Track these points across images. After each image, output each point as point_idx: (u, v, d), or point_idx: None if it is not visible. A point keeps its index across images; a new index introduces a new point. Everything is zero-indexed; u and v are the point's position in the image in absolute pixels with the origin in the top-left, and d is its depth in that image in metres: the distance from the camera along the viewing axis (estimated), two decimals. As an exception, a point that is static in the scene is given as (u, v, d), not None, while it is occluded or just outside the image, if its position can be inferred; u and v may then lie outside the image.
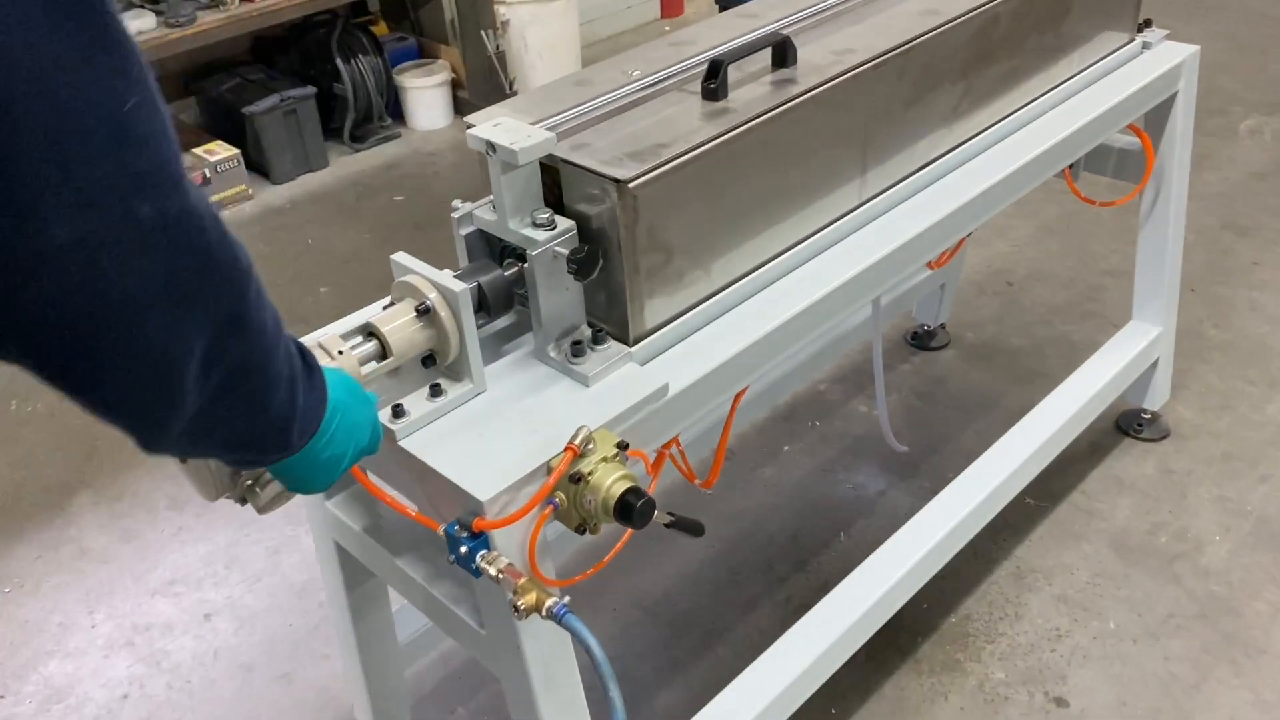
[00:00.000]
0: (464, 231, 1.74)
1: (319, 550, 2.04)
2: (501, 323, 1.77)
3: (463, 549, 1.47)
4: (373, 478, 1.60)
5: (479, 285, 1.62)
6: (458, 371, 1.64)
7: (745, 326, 1.79)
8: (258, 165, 5.08)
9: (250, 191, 4.98)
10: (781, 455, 3.24)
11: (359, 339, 1.55)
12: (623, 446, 1.53)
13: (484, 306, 1.64)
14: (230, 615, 2.85)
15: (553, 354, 1.68)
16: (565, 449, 1.48)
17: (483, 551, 1.48)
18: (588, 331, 1.69)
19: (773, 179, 1.82)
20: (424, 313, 1.57)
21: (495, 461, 1.51)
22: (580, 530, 1.54)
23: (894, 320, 3.64)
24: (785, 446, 3.27)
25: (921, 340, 3.65)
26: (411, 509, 1.54)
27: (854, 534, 2.94)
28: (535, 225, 1.64)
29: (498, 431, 1.58)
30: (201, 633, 2.81)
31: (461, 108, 5.51)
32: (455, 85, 5.53)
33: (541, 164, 1.66)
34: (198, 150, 4.85)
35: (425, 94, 5.40)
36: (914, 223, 2.05)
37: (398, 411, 1.57)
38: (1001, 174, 2.22)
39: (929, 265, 2.26)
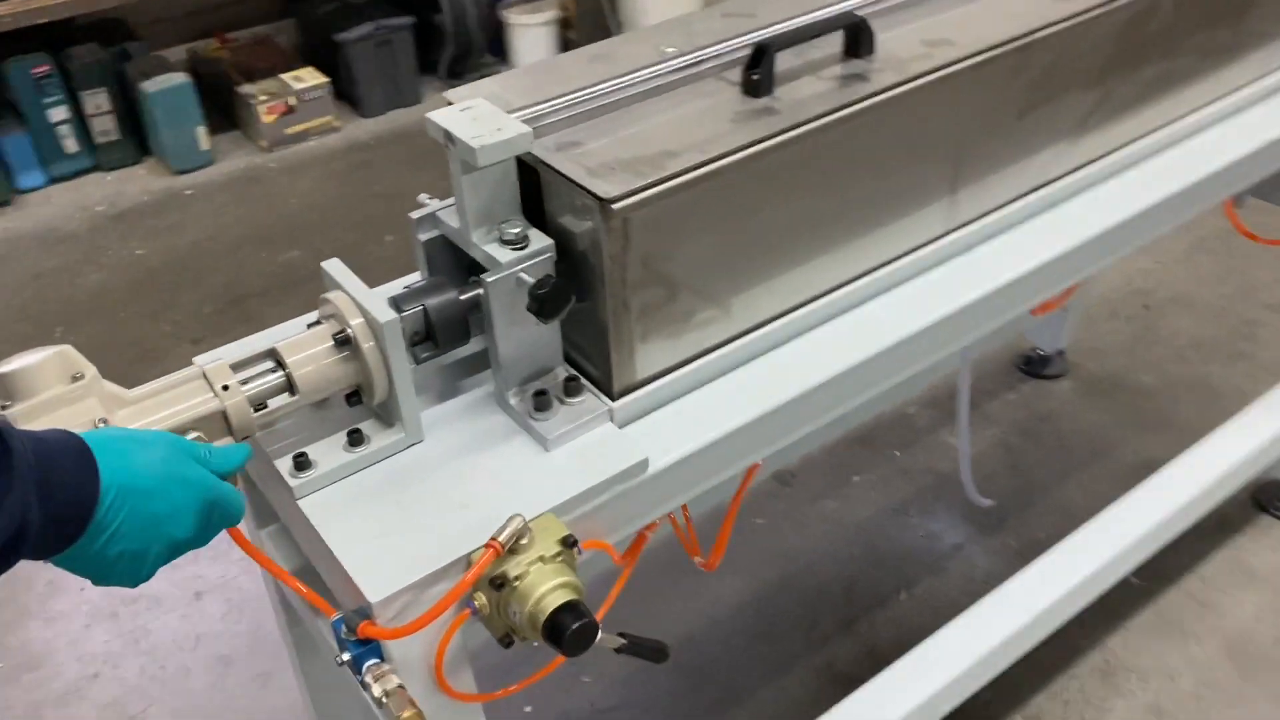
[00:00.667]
0: (423, 236, 1.40)
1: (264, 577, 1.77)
2: (470, 349, 1.43)
3: (347, 655, 1.16)
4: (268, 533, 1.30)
5: (425, 310, 1.29)
6: (389, 414, 1.31)
7: (766, 385, 1.41)
8: (348, 95, 4.83)
9: (337, 123, 4.74)
10: (849, 486, 2.84)
11: (261, 367, 1.24)
12: (569, 544, 1.19)
13: (431, 336, 1.30)
14: (221, 596, 2.64)
15: (514, 402, 1.34)
16: (486, 545, 1.14)
17: (372, 662, 1.16)
18: (561, 376, 1.34)
19: (824, 200, 1.43)
20: (343, 343, 1.24)
21: (404, 546, 1.19)
22: (506, 643, 1.21)
23: (1005, 339, 3.17)
24: (855, 477, 2.87)
25: (1034, 366, 3.18)
26: (302, 586, 1.23)
27: (917, 594, 2.54)
28: (502, 242, 1.29)
29: (421, 501, 1.25)
30: (188, 612, 2.61)
31: (569, 49, 5.14)
32: (564, 25, 5.17)
33: (523, 163, 1.31)
34: (285, 76, 4.62)
35: (530, 31, 5.05)
36: (1016, 261, 1.63)
37: (300, 463, 1.26)
38: (1142, 204, 1.76)
39: (1034, 311, 1.85)
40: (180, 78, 4.25)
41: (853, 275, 1.52)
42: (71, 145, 4.28)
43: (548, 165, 1.27)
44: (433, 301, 1.29)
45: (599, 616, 1.18)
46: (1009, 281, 1.60)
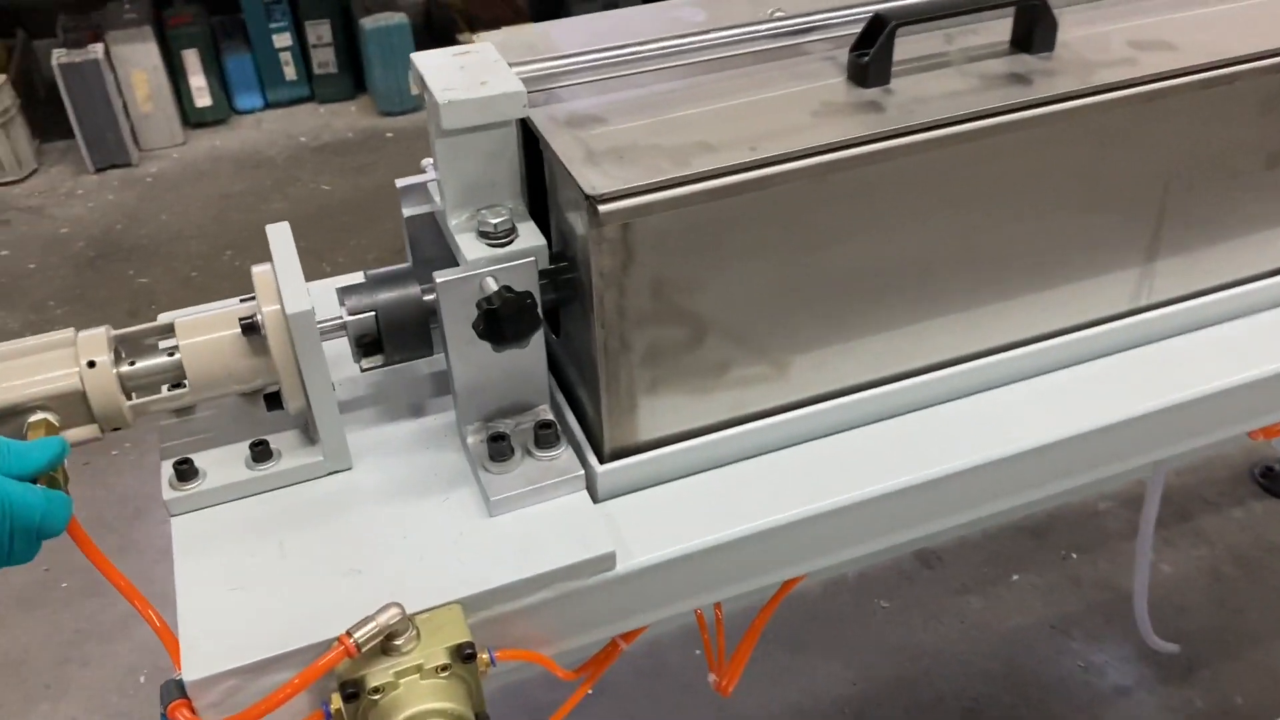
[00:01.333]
0: (409, 211, 1.11)
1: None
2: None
3: (158, 735, 0.89)
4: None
5: (375, 309, 0.99)
6: (314, 429, 1.03)
7: (815, 480, 1.03)
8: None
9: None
10: (1004, 585, 2.37)
11: (155, 345, 0.98)
12: (464, 655, 0.87)
13: (378, 343, 1.01)
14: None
15: (470, 441, 1.02)
16: (337, 641, 0.84)
17: (188, 753, 0.89)
18: (539, 419, 1.02)
19: (938, 241, 1.03)
20: (251, 330, 0.97)
21: (258, 612, 0.90)
22: (368, 765, 0.90)
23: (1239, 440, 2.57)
24: (1015, 575, 2.39)
25: (1273, 481, 2.57)
26: (155, 618, 0.95)
27: (1058, 738, 2.05)
28: (480, 233, 0.98)
29: (310, 552, 0.96)
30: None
31: None
32: None
33: (530, 133, 0.99)
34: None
35: None
36: (1233, 364, 1.16)
37: (184, 472, 0.99)
38: None
39: (1252, 434, 1.36)
40: (399, 17, 4.17)
41: (970, 351, 1.11)
42: (291, 73, 4.29)
43: (545, 140, 0.95)
44: (385, 297, 1.00)
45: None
46: (1215, 391, 1.14)
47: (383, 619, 0.84)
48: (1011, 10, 1.04)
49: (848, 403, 1.07)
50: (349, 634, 0.83)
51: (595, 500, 1.00)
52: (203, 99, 4.14)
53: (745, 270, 0.96)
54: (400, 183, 1.10)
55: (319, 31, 4.25)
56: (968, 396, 1.12)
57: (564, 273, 0.99)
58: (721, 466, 1.05)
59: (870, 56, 0.98)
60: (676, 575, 0.98)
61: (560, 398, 1.07)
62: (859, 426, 1.09)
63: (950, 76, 1.01)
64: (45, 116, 4.02)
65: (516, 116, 0.93)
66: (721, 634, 1.22)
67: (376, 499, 1.01)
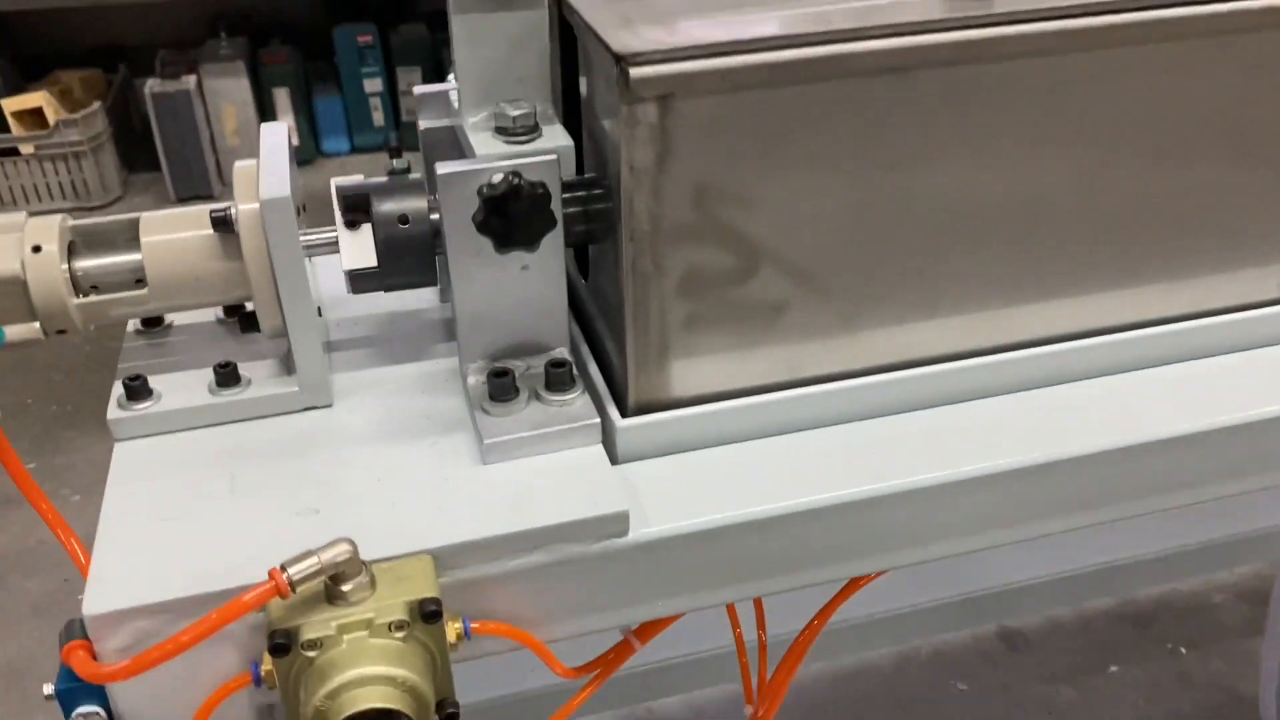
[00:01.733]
0: (425, 124, 0.97)
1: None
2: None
3: (50, 688, 0.73)
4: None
5: (376, 220, 0.85)
6: (292, 358, 0.88)
7: (884, 455, 0.84)
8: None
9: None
10: (1101, 676, 2.09)
11: (115, 240, 0.85)
12: (426, 613, 0.69)
13: (384, 255, 0.86)
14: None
15: (470, 380, 0.86)
16: (268, 577, 0.67)
17: (85, 709, 0.72)
18: (554, 357, 0.85)
19: (1056, 178, 0.85)
20: (221, 225, 0.82)
21: (190, 547, 0.74)
22: (303, 746, 0.72)
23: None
24: (1114, 666, 2.11)
25: None
26: (82, 555, 0.79)
27: None
28: (498, 129, 0.83)
29: (264, 488, 0.80)
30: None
31: None
32: None
33: (565, 21, 0.85)
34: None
35: None
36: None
37: (134, 390, 0.85)
38: None
39: None
40: (490, 68, 4.15)
41: (1088, 327, 0.92)
42: (379, 119, 4.28)
43: (573, 9, 0.80)
44: (386, 206, 0.85)
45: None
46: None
47: (328, 555, 0.68)
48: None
49: (930, 374, 0.88)
50: (282, 568, 0.67)
51: (614, 462, 0.82)
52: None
53: (808, 185, 0.79)
54: (419, 89, 0.96)
55: (410, 78, 4.25)
56: (1080, 380, 0.92)
57: (595, 194, 0.83)
58: (769, 437, 0.86)
59: (972, -54, 0.82)
60: (703, 553, 0.80)
61: (585, 350, 0.90)
62: (945, 404, 0.90)
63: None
64: (135, 149, 4.06)
65: (547, -21, 0.79)
66: (764, 654, 1.02)
67: (353, 440, 0.85)
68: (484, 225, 0.75)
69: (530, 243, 0.77)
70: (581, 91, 0.85)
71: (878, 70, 0.75)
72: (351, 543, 0.68)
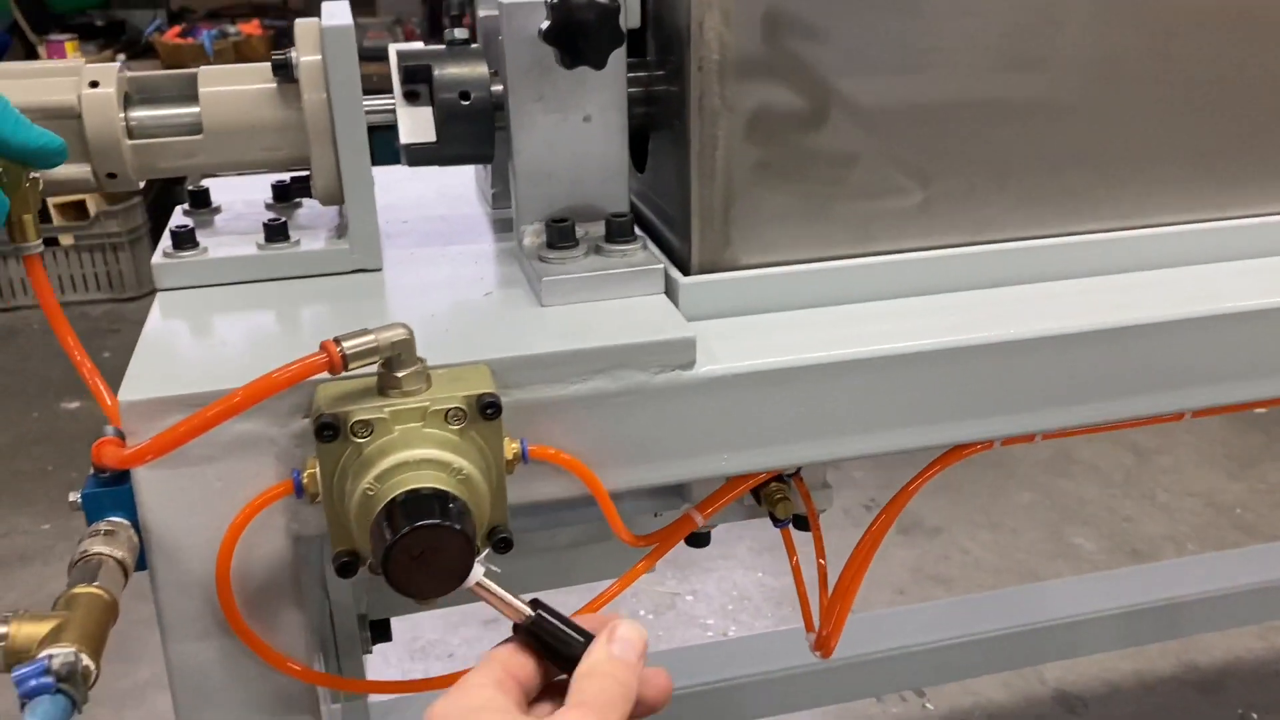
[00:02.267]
0: (485, 11, 0.96)
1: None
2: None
3: (76, 495, 0.67)
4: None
5: (429, 69, 0.83)
6: (344, 220, 0.86)
7: (964, 313, 0.80)
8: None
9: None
10: (1167, 741, 1.95)
11: (173, 91, 0.83)
12: (485, 408, 0.65)
13: (444, 125, 0.84)
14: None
15: (526, 241, 0.83)
16: (320, 349, 0.63)
17: (111, 519, 0.67)
18: (615, 211, 0.82)
19: (1141, 38, 0.83)
20: (281, 70, 0.81)
21: (231, 352, 0.71)
22: (345, 567, 0.66)
23: None
24: (1180, 730, 1.97)
25: None
26: (107, 395, 0.74)
27: None
28: (561, -19, 0.82)
29: (312, 320, 0.76)
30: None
31: None
32: None
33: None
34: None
35: None
36: None
37: (181, 238, 0.82)
38: None
39: None
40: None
41: (1172, 218, 0.88)
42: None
43: None
44: (449, 71, 0.84)
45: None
46: None
47: (385, 335, 0.63)
48: None
49: (1002, 250, 0.85)
50: (336, 341, 0.62)
51: (673, 306, 0.78)
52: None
53: (878, 20, 0.78)
54: (477, -31, 0.96)
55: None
56: (1156, 269, 0.88)
57: (657, 74, 0.82)
58: (851, 303, 0.82)
59: None
60: (771, 398, 0.75)
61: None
62: (1018, 283, 0.86)
63: None
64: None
65: None
66: (824, 577, 0.94)
67: (406, 292, 0.81)
68: (551, 33, 0.73)
69: (599, 59, 0.75)
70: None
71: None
72: (407, 327, 0.64)
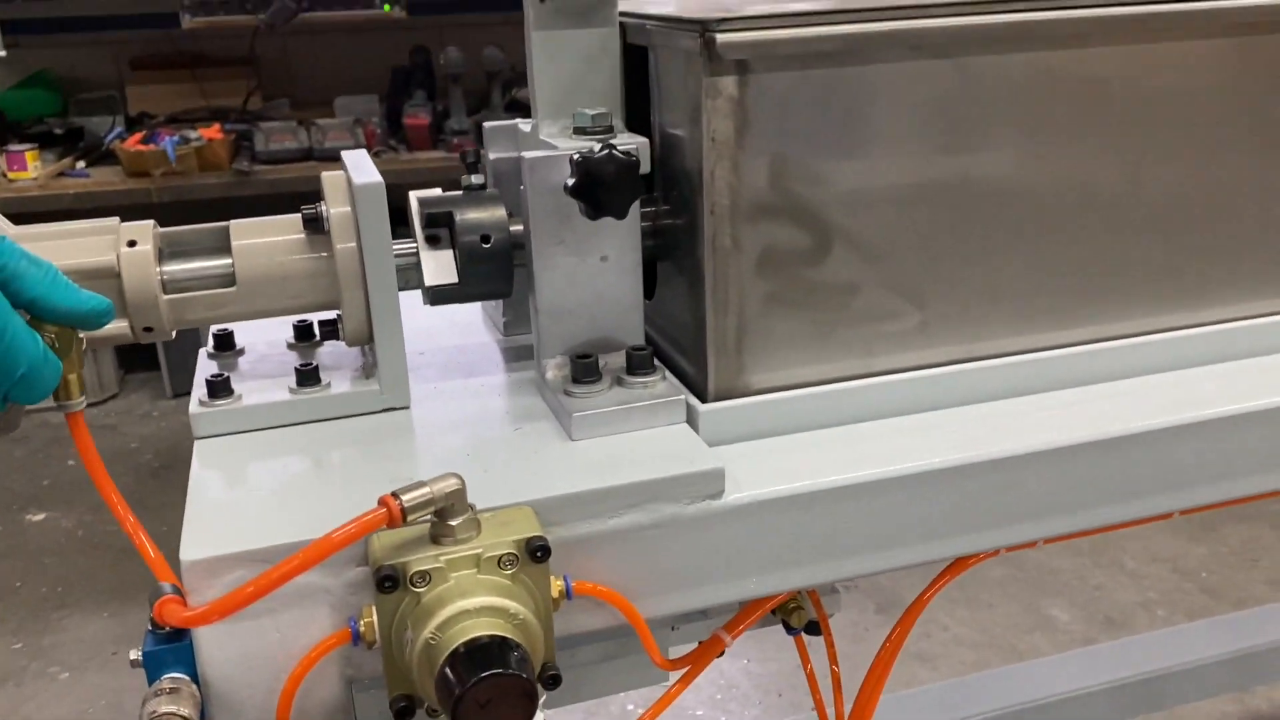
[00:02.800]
0: (495, 154, 1.01)
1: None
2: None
3: (137, 653, 0.69)
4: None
5: (450, 217, 0.88)
6: (371, 360, 0.89)
7: (978, 428, 0.85)
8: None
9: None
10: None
11: (207, 244, 0.87)
12: (534, 551, 0.68)
13: (466, 267, 0.88)
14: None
15: (549, 375, 0.87)
16: (378, 504, 0.66)
17: (172, 675, 0.68)
18: (634, 344, 0.86)
19: (1116, 170, 0.90)
20: (312, 223, 0.85)
21: (283, 506, 0.73)
22: (404, 712, 0.68)
23: None
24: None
25: None
26: (150, 549, 0.76)
27: None
28: (576, 129, 0.88)
29: (352, 466, 0.79)
30: None
31: None
32: None
33: (630, 49, 0.91)
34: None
35: None
36: None
37: (216, 387, 0.85)
38: None
39: None
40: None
41: (1161, 325, 0.95)
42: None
43: (646, 19, 0.86)
44: (469, 215, 0.88)
45: None
46: None
47: (439, 486, 0.67)
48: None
49: (1005, 364, 0.90)
50: (395, 495, 0.65)
51: (695, 434, 0.82)
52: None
53: (874, 164, 0.84)
54: (488, 125, 1.01)
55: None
56: (1144, 375, 0.94)
57: (664, 209, 0.88)
58: (859, 422, 0.87)
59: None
60: (799, 522, 0.79)
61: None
62: (1020, 395, 0.91)
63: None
64: (134, 348, 4.12)
65: (627, -8, 0.86)
66: (838, 688, 0.98)
67: (437, 430, 0.85)
68: (577, 190, 0.78)
69: (620, 209, 0.80)
70: (652, 103, 0.90)
71: (942, 44, 0.82)
72: (459, 477, 0.68)
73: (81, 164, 3.47)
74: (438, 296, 0.89)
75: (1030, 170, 0.88)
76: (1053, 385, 0.92)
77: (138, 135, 3.46)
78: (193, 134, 3.42)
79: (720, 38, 0.76)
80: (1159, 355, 0.94)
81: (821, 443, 0.84)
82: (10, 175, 3.33)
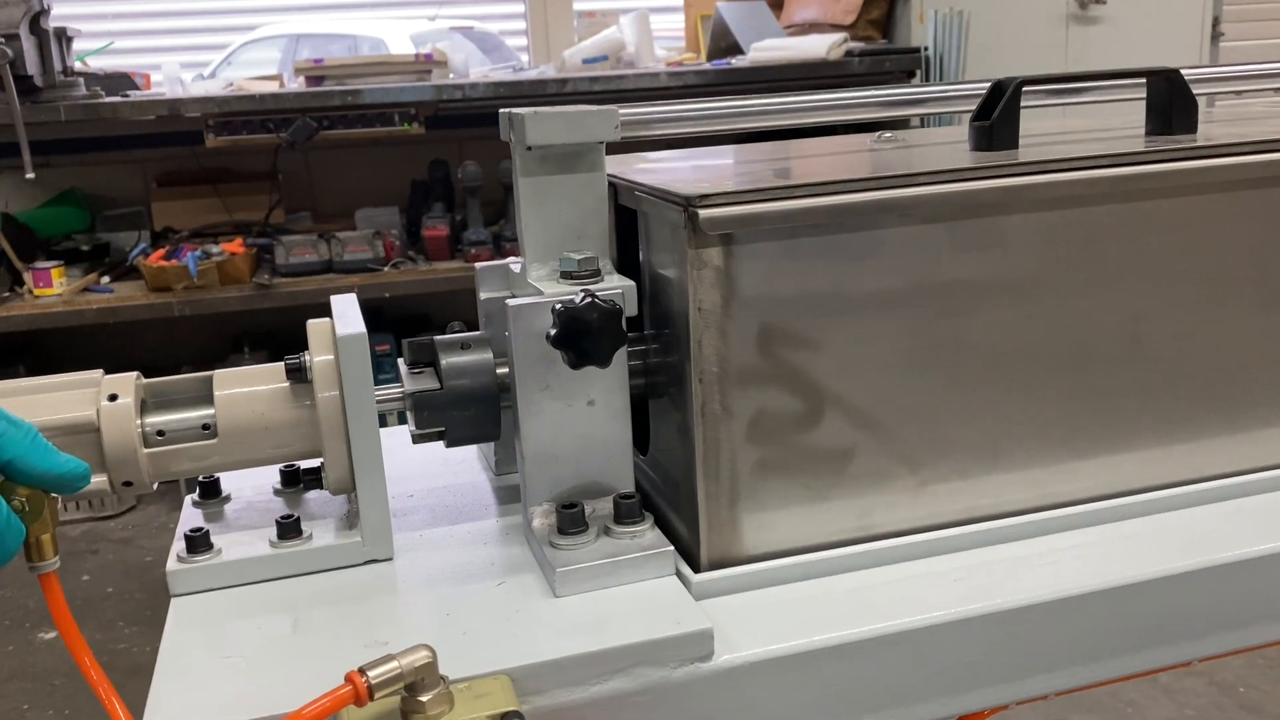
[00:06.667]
0: (485, 294, 1.01)
1: None
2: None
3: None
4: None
5: (435, 365, 0.87)
6: (354, 512, 0.87)
7: (980, 580, 0.82)
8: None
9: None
10: None
11: (187, 395, 0.86)
12: (510, 725, 0.65)
13: (430, 409, 0.87)
14: None
15: (536, 523, 0.84)
16: (345, 681, 0.63)
17: None
18: (622, 492, 0.84)
19: (1101, 325, 0.88)
20: (295, 373, 0.84)
21: (254, 679, 0.70)
22: None
23: None
24: None
25: None
26: (122, 714, 0.73)
27: None
28: (563, 274, 0.87)
29: (329, 628, 0.77)
30: None
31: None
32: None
33: (620, 207, 0.91)
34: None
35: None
36: None
37: (195, 542, 0.83)
38: None
39: None
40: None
41: (1167, 479, 0.92)
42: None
43: (634, 184, 0.86)
44: (454, 360, 0.87)
45: None
46: None
47: (407, 660, 0.64)
48: (1143, 85, 0.97)
49: (1004, 527, 0.87)
50: (361, 671, 0.63)
51: (692, 596, 0.80)
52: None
53: (866, 329, 0.82)
54: (480, 265, 1.01)
55: (424, 385, 4.38)
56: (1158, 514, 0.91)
57: (654, 347, 0.87)
58: (851, 571, 0.84)
59: (995, 118, 0.90)
60: (792, 683, 0.75)
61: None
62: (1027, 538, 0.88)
63: (1086, 143, 0.92)
64: (154, 460, 4.13)
65: (608, 139, 0.86)
66: None
67: (418, 585, 0.82)
68: (559, 340, 0.77)
69: (603, 358, 0.78)
70: (640, 247, 0.90)
71: (919, 210, 0.81)
72: (430, 649, 0.65)
73: (106, 279, 3.53)
74: (422, 437, 0.88)
75: (1026, 329, 0.86)
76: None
77: (161, 250, 3.51)
78: (215, 248, 3.47)
79: (704, 213, 0.75)
80: (1163, 506, 0.91)
81: (817, 596, 0.81)
82: (36, 292, 3.39)
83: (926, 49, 3.48)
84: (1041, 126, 0.97)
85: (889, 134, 1.06)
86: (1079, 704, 2.48)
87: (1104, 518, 0.90)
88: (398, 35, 4.97)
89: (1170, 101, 0.95)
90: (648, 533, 0.82)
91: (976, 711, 0.82)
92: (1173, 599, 0.83)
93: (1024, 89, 0.91)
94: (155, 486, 0.85)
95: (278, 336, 4.43)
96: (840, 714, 0.77)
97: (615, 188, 0.89)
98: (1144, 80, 0.96)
